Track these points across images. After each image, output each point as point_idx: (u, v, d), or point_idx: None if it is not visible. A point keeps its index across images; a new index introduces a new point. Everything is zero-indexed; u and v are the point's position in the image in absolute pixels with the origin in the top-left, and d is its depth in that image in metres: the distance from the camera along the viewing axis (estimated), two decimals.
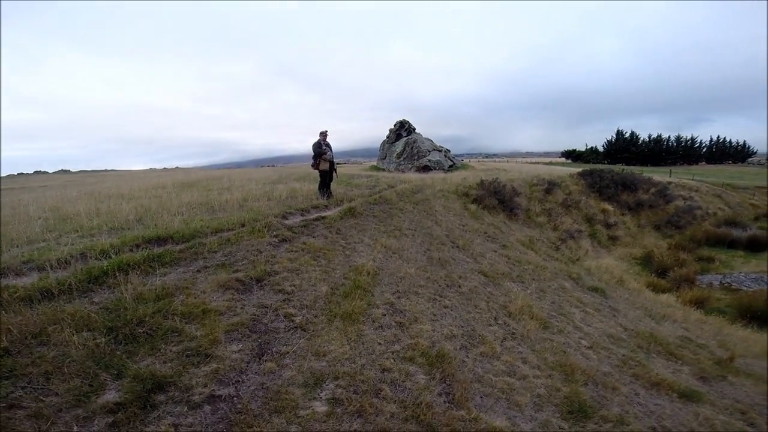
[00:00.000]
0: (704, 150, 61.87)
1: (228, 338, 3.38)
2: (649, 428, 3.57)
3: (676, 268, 11.65)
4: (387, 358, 3.60)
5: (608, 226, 15.96)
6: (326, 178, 9.41)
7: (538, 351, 4.52)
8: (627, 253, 13.96)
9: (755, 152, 63.76)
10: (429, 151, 24.04)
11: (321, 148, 9.08)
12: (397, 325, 4.30)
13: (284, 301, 4.18)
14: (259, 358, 3.25)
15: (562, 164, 46.57)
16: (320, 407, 2.82)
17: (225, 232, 5.74)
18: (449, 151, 26.31)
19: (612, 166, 29.84)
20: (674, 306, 9.30)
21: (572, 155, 69.27)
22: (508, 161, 49.31)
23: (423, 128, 27.12)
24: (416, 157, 23.25)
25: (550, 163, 45.86)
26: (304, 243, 5.98)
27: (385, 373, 3.38)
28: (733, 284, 11.23)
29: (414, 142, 24.35)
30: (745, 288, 10.81)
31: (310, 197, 9.35)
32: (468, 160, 39.74)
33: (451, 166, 23.32)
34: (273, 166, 40.13)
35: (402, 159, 23.65)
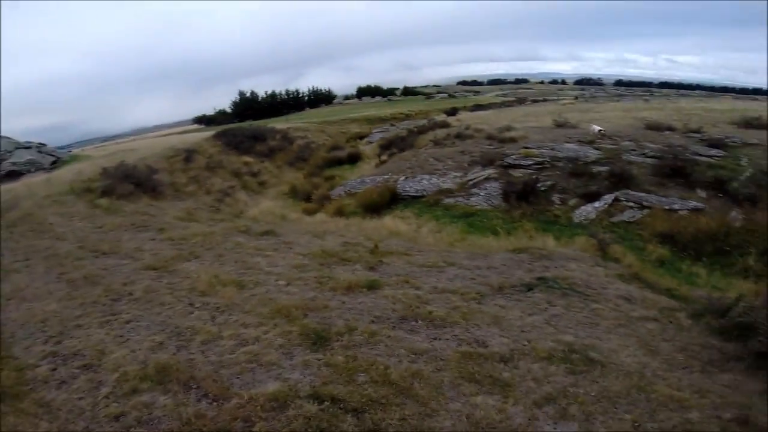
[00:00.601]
0: (306, 99, 77.18)
1: None
2: (369, 323, 4.09)
3: (314, 191, 14.54)
4: (106, 407, 2.98)
5: (254, 175, 17.64)
6: None
7: (250, 311, 4.43)
8: (278, 192, 16.04)
9: (336, 96, 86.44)
10: (10, 152, 17.04)
11: None
12: (83, 369, 3.44)
13: None
14: None
15: (197, 131, 45.42)
16: None
17: None
18: (46, 145, 19.83)
19: (241, 124, 32.13)
20: (328, 221, 11.29)
21: (204, 120, 68.97)
22: (135, 139, 42.77)
23: None
24: None
25: (185, 132, 43.73)
26: None
27: (122, 420, 2.84)
28: (351, 190, 15.09)
29: None
30: (358, 190, 14.79)
31: None
32: (82, 148, 31.31)
33: (55, 162, 17.66)
34: None
35: None
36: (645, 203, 9.81)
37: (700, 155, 12.42)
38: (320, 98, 78.26)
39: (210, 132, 24.08)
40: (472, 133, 18.71)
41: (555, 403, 2.88)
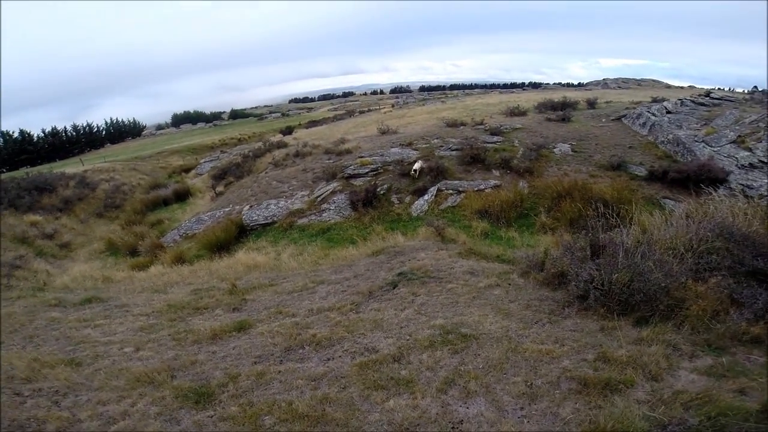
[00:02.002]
0: (104, 133, 64.39)
1: None
2: (253, 365, 3.76)
3: (141, 242, 12.32)
4: None
5: (50, 236, 14.06)
6: None
7: (101, 387, 3.58)
8: (91, 252, 13.03)
9: (145, 126, 75.00)
10: None
11: None
12: None
13: None
14: None
15: None
16: None
17: None
18: None
19: (13, 174, 24.78)
20: (167, 272, 9.53)
21: None
22: None
23: None
24: None
25: None
26: None
27: None
28: (188, 232, 13.43)
29: None
30: (196, 230, 13.29)
31: None
32: None
33: None
34: None
35: None
36: (460, 189, 11.84)
37: (488, 142, 15.70)
38: (124, 131, 66.89)
39: None
40: (310, 149, 19.05)
41: (456, 385, 3.06)
